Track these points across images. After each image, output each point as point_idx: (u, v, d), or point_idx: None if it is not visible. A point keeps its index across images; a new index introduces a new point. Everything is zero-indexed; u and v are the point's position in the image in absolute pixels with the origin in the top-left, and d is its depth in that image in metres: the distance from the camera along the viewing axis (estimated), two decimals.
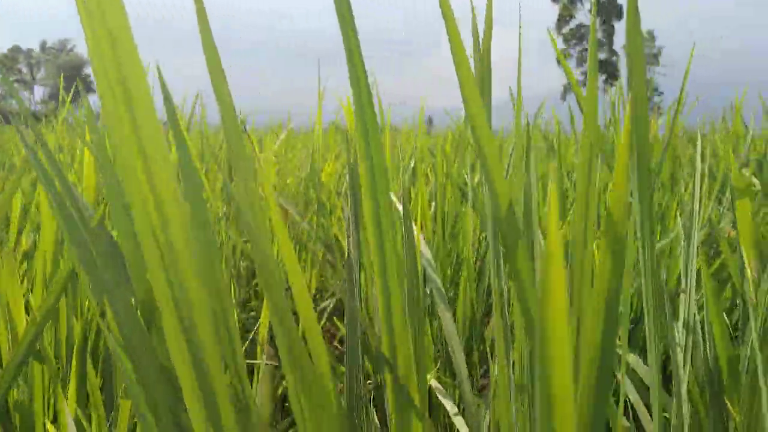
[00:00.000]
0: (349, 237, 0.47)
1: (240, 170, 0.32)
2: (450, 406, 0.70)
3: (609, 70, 36.73)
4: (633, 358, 0.77)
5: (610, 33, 36.45)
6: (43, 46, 47.50)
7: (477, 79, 0.43)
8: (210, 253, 0.35)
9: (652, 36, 36.76)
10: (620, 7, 35.88)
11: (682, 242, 0.61)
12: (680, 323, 0.60)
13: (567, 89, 37.25)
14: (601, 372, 0.33)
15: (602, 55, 36.34)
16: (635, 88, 0.34)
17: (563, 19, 36.17)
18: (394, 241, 0.38)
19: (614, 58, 36.41)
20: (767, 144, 1.72)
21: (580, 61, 36.84)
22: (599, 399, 0.33)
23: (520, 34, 0.47)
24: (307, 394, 0.34)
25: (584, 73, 38.88)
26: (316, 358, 0.35)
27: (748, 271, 0.55)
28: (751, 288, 0.54)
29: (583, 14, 36.56)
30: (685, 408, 0.52)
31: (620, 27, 36.30)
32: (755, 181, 1.11)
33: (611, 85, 36.61)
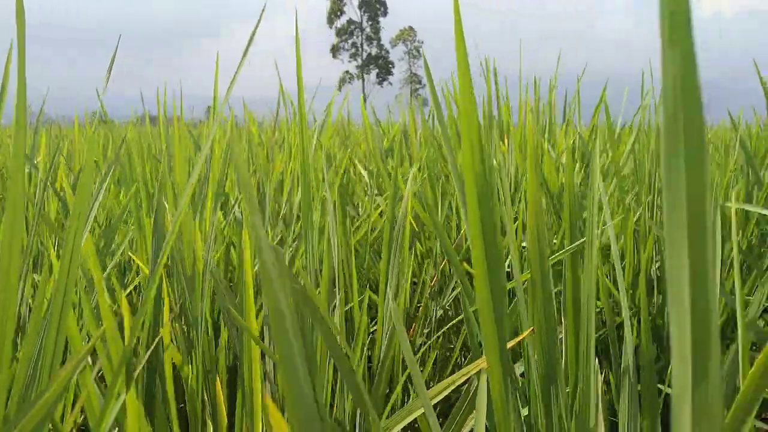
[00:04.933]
0: None
1: None
2: None
3: (380, 64, 38.89)
4: None
5: (377, 29, 38.56)
6: None
7: None
8: None
9: (413, 30, 39.75)
10: (384, 4, 38.14)
11: None
12: None
13: (343, 80, 38.55)
14: None
15: (373, 50, 38.32)
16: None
17: (334, 13, 37.23)
18: None
19: (384, 52, 38.64)
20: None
21: (354, 55, 38.36)
22: None
23: None
24: None
25: (358, 66, 40.60)
26: None
27: None
28: None
29: (352, 10, 38.06)
30: None
31: (386, 22, 38.62)
32: None
33: (384, 79, 38.86)
